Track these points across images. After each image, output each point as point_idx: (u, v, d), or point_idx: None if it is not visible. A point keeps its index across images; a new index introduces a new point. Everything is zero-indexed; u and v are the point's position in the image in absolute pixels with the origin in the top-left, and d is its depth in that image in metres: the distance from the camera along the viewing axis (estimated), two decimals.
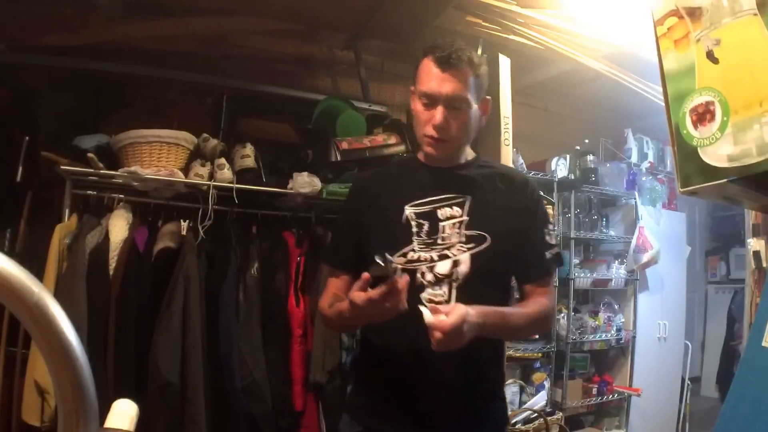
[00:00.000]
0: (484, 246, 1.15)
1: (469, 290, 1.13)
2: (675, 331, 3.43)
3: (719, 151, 0.96)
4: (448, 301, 1.13)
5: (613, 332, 3.15)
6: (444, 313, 0.97)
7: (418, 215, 1.17)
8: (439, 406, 1.16)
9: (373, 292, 0.97)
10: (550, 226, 1.26)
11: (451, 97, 1.13)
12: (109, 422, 0.49)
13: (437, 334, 0.96)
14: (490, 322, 1.06)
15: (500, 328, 1.11)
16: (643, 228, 3.20)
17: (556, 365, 2.95)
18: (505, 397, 1.31)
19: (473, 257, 1.14)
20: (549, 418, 2.57)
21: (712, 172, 0.97)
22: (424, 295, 1.13)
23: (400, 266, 1.13)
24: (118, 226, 1.92)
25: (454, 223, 1.16)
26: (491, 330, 1.08)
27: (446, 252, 1.15)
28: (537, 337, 2.92)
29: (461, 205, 1.17)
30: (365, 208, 1.25)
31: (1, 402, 1.84)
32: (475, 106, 1.17)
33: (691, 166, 1.00)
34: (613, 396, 3.14)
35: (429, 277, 1.15)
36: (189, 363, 1.83)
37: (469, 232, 1.16)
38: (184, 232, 2.03)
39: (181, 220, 2.07)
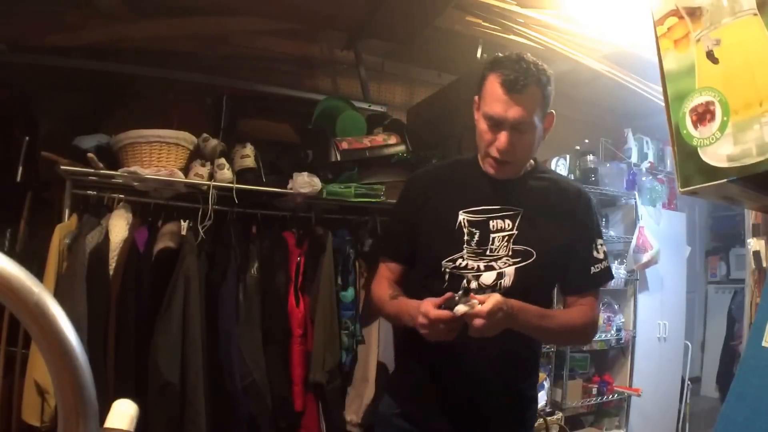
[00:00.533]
0: (529, 261, 1.17)
1: None
2: (675, 331, 3.42)
3: (719, 151, 0.96)
4: None
5: (613, 332, 3.15)
6: (480, 301, 1.02)
7: (471, 223, 1.19)
8: (474, 401, 1.20)
9: (441, 314, 1.03)
10: (600, 241, 1.24)
11: (517, 122, 1.13)
12: (109, 422, 0.49)
13: (478, 321, 1.00)
14: (526, 319, 1.09)
15: (536, 325, 1.13)
16: (643, 228, 3.20)
17: (555, 365, 2.95)
18: (537, 398, 1.32)
19: (518, 271, 1.17)
20: (549, 418, 2.58)
21: (712, 172, 0.97)
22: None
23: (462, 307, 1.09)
24: (118, 226, 1.92)
25: (503, 236, 1.18)
26: (526, 326, 1.11)
27: (493, 264, 1.17)
28: None
29: (513, 219, 1.19)
30: (420, 206, 1.26)
31: (1, 402, 1.84)
32: (540, 126, 1.18)
33: (691, 166, 1.00)
34: (613, 396, 3.14)
35: (473, 285, 1.17)
36: (189, 363, 1.83)
37: (516, 247, 1.17)
38: (184, 232, 2.03)
39: (181, 220, 2.07)
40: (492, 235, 1.18)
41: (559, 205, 1.23)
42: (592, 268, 1.22)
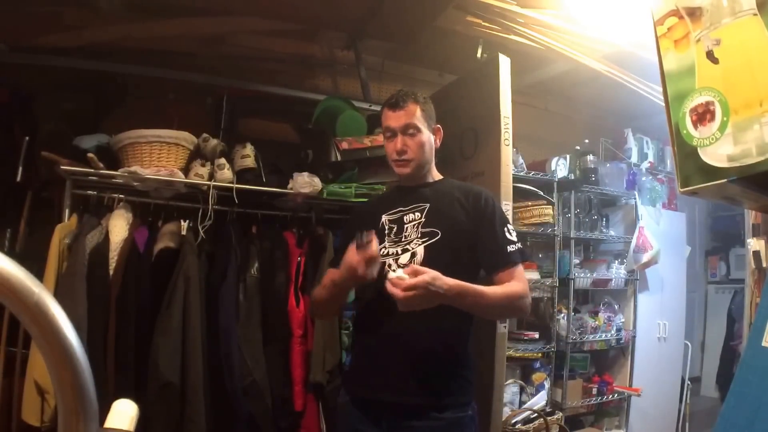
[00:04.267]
0: (435, 239, 1.42)
1: None
2: (675, 331, 3.42)
3: (719, 151, 0.96)
4: None
5: (613, 332, 3.15)
6: (409, 273, 1.20)
7: (390, 221, 1.50)
8: (405, 378, 1.38)
9: (358, 253, 1.29)
10: (510, 227, 1.48)
11: (404, 127, 1.46)
12: (109, 422, 0.49)
13: (394, 290, 1.19)
14: (460, 292, 1.26)
15: (470, 300, 1.30)
16: (643, 228, 3.20)
17: (556, 365, 2.95)
18: (470, 377, 1.46)
19: (426, 248, 1.42)
20: (549, 418, 2.58)
21: (712, 172, 0.97)
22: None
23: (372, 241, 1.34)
24: (118, 226, 1.92)
25: (414, 224, 1.47)
26: (461, 300, 1.29)
27: (407, 246, 1.44)
28: (537, 336, 2.93)
29: (421, 211, 1.48)
30: (360, 223, 1.53)
31: (1, 402, 1.84)
32: (427, 132, 1.49)
33: (691, 166, 1.00)
34: (613, 396, 3.14)
35: (394, 266, 1.41)
36: (189, 363, 1.83)
37: (424, 230, 1.45)
38: (184, 232, 2.04)
39: (181, 220, 2.07)
40: (406, 225, 1.47)
41: (462, 201, 1.48)
42: (509, 247, 1.43)
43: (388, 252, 1.45)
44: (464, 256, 1.44)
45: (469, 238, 1.44)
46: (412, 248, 1.43)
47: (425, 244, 1.42)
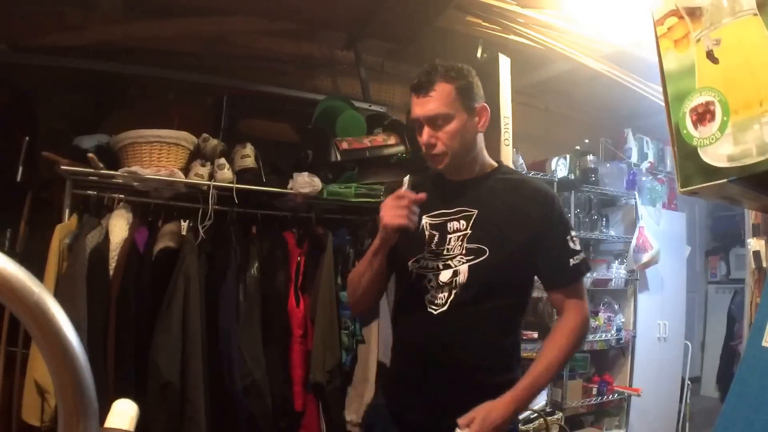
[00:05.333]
0: (482, 258, 1.23)
1: (464, 297, 1.23)
2: (675, 331, 3.42)
3: (719, 151, 0.96)
4: (444, 305, 1.24)
5: (613, 332, 3.15)
6: (464, 424, 1.10)
7: (432, 226, 1.29)
8: (444, 398, 1.24)
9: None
10: (573, 233, 1.27)
11: (430, 117, 1.23)
12: (109, 422, 0.49)
13: None
14: (519, 403, 1.18)
15: (533, 394, 1.23)
16: (643, 228, 3.20)
17: None
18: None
19: (471, 268, 1.23)
20: (549, 418, 2.58)
21: (712, 172, 0.97)
22: (428, 297, 1.26)
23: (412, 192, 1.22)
24: (118, 226, 1.92)
25: (458, 236, 1.26)
26: (525, 404, 1.21)
27: (449, 262, 1.25)
28: (536, 336, 2.93)
29: (467, 219, 1.26)
30: None
31: (1, 402, 1.84)
32: (464, 116, 1.25)
33: (691, 166, 1.00)
34: (613, 396, 3.14)
35: (433, 282, 1.26)
36: (189, 363, 1.83)
37: (470, 245, 1.24)
38: (184, 232, 2.04)
39: (181, 220, 2.07)
40: (449, 236, 1.27)
41: (518, 205, 1.27)
42: (572, 260, 1.24)
43: (427, 265, 1.27)
44: (514, 276, 1.26)
45: (522, 254, 1.24)
46: (455, 265, 1.24)
47: (470, 263, 1.23)
